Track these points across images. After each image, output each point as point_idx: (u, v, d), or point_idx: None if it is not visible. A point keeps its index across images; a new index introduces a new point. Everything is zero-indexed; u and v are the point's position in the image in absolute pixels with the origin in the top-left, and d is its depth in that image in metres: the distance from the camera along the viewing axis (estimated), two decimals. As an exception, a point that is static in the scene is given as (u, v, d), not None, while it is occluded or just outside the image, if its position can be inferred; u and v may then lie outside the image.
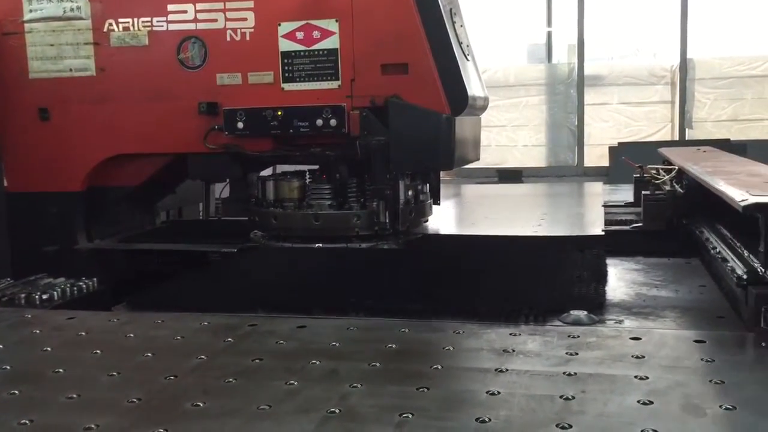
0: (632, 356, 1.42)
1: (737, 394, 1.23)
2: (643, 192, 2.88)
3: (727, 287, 1.98)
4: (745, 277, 1.68)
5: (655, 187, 2.87)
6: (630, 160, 3.41)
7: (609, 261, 2.42)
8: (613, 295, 2.09)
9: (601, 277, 2.16)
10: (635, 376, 1.31)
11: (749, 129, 9.25)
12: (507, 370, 1.36)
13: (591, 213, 3.24)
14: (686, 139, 9.28)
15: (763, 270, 1.66)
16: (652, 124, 9.75)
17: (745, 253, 1.90)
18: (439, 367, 1.40)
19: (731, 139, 8.59)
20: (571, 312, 1.76)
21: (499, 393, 1.25)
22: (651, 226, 2.78)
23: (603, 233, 2.60)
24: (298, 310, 1.87)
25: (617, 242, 2.66)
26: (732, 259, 1.96)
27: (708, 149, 3.65)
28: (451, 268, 2.31)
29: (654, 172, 3.00)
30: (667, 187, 2.89)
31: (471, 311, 1.80)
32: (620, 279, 2.32)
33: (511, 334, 1.57)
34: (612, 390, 1.26)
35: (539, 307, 1.81)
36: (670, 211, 2.76)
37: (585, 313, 1.77)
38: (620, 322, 1.83)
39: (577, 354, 1.44)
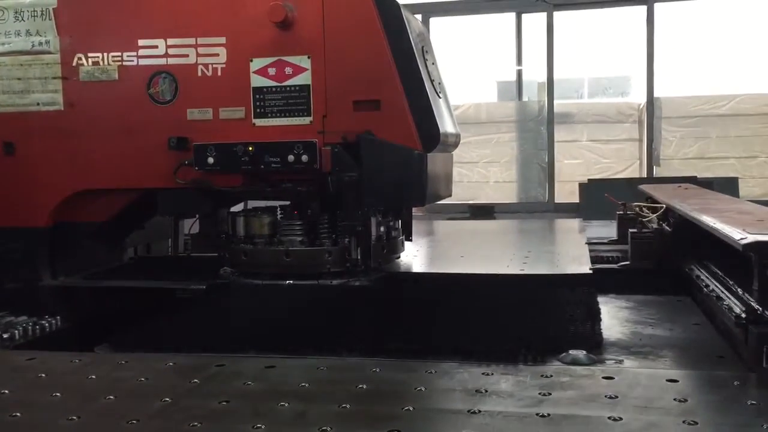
0: (606, 396, 1.40)
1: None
2: (630, 230, 2.84)
3: (722, 325, 1.95)
4: (744, 315, 1.66)
5: (641, 225, 2.86)
6: (612, 196, 3.41)
7: (599, 299, 2.39)
8: (609, 334, 2.06)
9: (595, 316, 2.13)
10: (609, 417, 1.29)
11: (715, 167, 9.43)
12: (480, 411, 1.34)
13: (575, 250, 3.01)
14: (654, 176, 9.43)
15: (761, 308, 1.64)
16: (621, 161, 9.90)
17: (740, 291, 1.88)
18: (411, 408, 1.37)
19: (698, 176, 8.74)
20: (570, 352, 1.74)
21: (471, 436, 1.23)
22: (639, 265, 2.76)
23: (591, 271, 2.47)
24: (274, 350, 1.85)
25: (605, 280, 2.63)
26: (727, 297, 1.94)
27: (689, 186, 3.65)
28: (435, 307, 2.29)
29: (638, 209, 3.00)
30: (654, 225, 2.87)
31: (466, 351, 1.78)
32: (613, 317, 2.29)
33: (483, 373, 1.55)
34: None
35: (535, 347, 1.79)
36: (658, 249, 2.74)
37: (584, 352, 1.74)
38: (620, 362, 1.79)
39: (550, 394, 1.42)
